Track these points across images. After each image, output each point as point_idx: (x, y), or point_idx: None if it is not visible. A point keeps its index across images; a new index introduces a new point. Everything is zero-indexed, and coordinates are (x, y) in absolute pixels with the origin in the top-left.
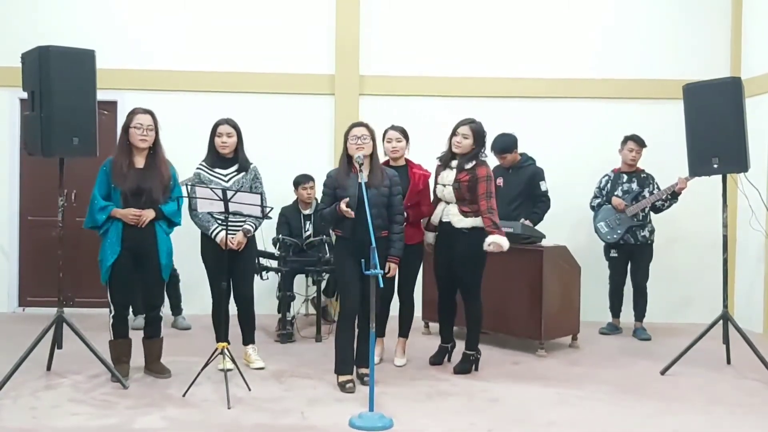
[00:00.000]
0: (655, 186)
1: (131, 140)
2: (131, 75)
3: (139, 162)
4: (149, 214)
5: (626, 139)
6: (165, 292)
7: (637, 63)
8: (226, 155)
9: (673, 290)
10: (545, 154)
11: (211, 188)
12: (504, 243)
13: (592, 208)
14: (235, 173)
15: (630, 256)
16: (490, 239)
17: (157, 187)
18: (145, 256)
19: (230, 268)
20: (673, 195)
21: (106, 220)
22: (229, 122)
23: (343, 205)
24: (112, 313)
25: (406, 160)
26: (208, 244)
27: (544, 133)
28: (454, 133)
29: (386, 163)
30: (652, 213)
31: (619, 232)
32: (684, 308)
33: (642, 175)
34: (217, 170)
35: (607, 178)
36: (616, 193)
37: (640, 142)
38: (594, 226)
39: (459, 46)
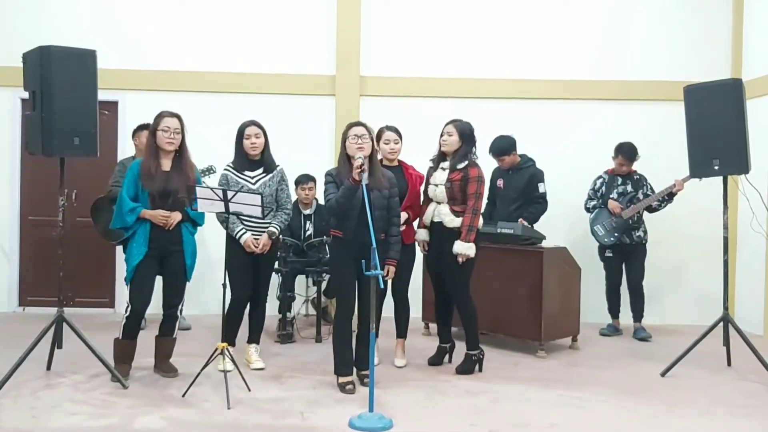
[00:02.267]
0: (649, 187)
1: (158, 143)
2: (132, 75)
3: (166, 165)
4: (177, 216)
5: (617, 152)
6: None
7: (638, 64)
8: (254, 156)
9: (674, 292)
10: (544, 155)
11: (211, 188)
12: (469, 251)
13: (588, 209)
14: (262, 175)
15: (625, 256)
16: (455, 249)
17: (183, 190)
18: (171, 256)
19: (254, 268)
20: (670, 196)
21: (135, 221)
22: (256, 123)
23: (356, 164)
24: (127, 313)
25: (400, 161)
26: (234, 245)
27: (543, 134)
28: (441, 134)
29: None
30: (646, 213)
31: (616, 234)
32: (685, 310)
33: (635, 177)
34: (245, 173)
35: (601, 180)
36: (611, 196)
37: (629, 157)
38: (590, 229)
39: (459, 48)
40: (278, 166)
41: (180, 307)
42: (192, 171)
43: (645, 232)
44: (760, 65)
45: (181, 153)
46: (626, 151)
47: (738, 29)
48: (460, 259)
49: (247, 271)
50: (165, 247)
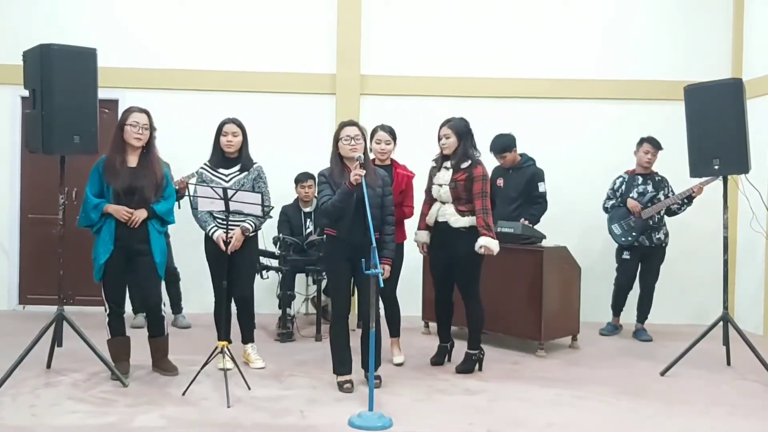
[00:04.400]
0: (670, 189)
1: (126, 138)
2: (132, 73)
3: (132, 161)
4: (141, 214)
5: (642, 140)
6: (162, 290)
7: (639, 64)
8: (231, 155)
9: (673, 291)
10: (545, 154)
11: (211, 187)
12: (494, 246)
13: (606, 209)
14: (237, 173)
15: (642, 258)
16: (481, 242)
17: (150, 187)
18: (139, 254)
19: (230, 268)
20: (689, 199)
21: (100, 217)
22: (235, 121)
23: (357, 170)
24: (107, 311)
25: (392, 160)
26: (209, 243)
27: (544, 133)
28: (439, 138)
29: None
30: (666, 216)
31: (634, 234)
32: (684, 309)
33: (657, 178)
34: (220, 170)
35: (621, 179)
36: (631, 195)
37: (655, 145)
38: (608, 228)
39: (459, 46)
40: (255, 163)
41: (162, 305)
42: (159, 168)
43: (666, 234)
44: (761, 65)
45: (148, 149)
46: (652, 140)
47: (738, 29)
48: (483, 251)
49: (222, 268)
50: (131, 246)
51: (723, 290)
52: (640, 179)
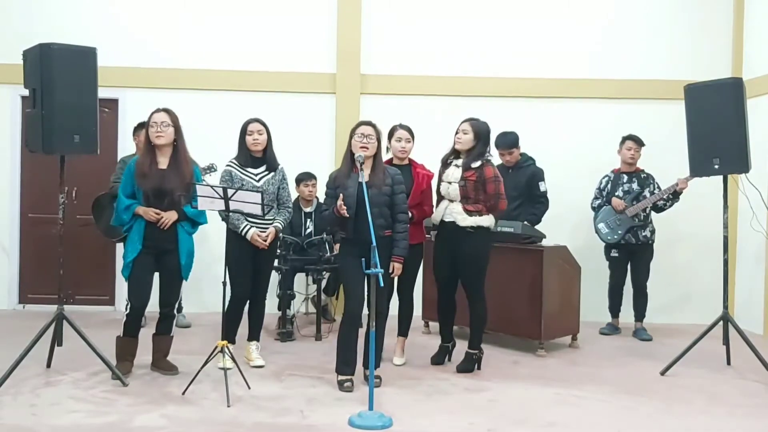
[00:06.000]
0: (656, 186)
1: (151, 139)
2: (132, 73)
3: (163, 162)
4: (171, 216)
5: (624, 138)
6: (179, 291)
7: (639, 63)
8: (257, 153)
9: (674, 291)
10: (545, 154)
11: (211, 186)
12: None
13: (593, 209)
14: (266, 173)
15: (631, 255)
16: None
17: (179, 189)
18: (166, 255)
19: (253, 266)
20: (675, 195)
21: (131, 218)
22: (259, 120)
23: (339, 202)
24: (127, 311)
25: (410, 160)
26: (234, 241)
27: (544, 133)
28: (456, 132)
29: (389, 161)
30: (653, 213)
31: (619, 232)
32: (685, 309)
33: (642, 175)
34: (248, 169)
35: (607, 178)
36: (616, 194)
37: (638, 141)
38: (594, 227)
39: (459, 46)
40: (279, 164)
41: (176, 305)
42: (189, 168)
43: (652, 231)
44: (761, 64)
45: (178, 149)
46: (634, 137)
47: (738, 28)
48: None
49: (246, 268)
50: (160, 246)
51: (723, 289)
52: (626, 177)
